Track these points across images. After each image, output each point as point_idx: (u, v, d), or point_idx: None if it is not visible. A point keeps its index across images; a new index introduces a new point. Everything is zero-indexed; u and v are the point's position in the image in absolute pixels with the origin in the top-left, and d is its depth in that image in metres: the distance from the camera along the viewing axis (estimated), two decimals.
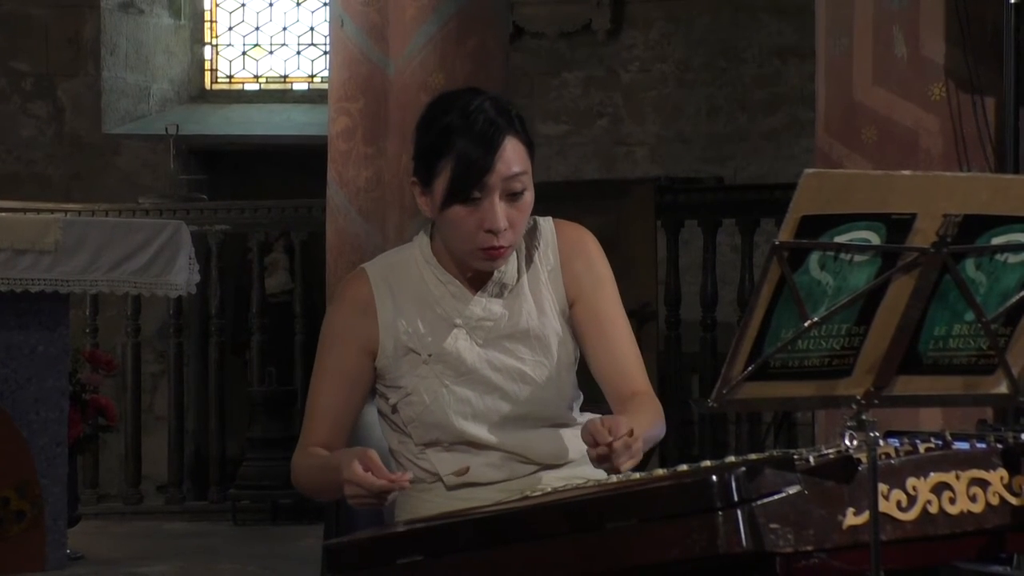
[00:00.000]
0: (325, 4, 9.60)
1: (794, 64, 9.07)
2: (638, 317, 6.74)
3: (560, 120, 9.45)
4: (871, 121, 4.86)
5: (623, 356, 2.85)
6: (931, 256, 2.20)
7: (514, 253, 2.82)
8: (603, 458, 2.54)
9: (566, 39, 9.45)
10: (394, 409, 2.83)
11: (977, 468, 2.27)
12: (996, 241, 2.25)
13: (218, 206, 8.02)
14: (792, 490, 2.13)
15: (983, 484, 2.26)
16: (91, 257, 5.62)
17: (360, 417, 2.90)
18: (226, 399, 7.93)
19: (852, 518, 2.15)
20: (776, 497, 2.12)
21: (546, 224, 2.89)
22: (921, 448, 2.28)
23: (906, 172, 2.20)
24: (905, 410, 2.48)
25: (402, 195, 5.75)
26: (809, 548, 2.12)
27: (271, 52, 10.15)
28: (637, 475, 2.50)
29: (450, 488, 2.80)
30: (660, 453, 6.81)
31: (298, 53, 10.13)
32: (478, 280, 2.82)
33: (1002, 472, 2.28)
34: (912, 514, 2.20)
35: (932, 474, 2.22)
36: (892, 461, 2.22)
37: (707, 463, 2.33)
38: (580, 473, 2.80)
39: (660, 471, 2.47)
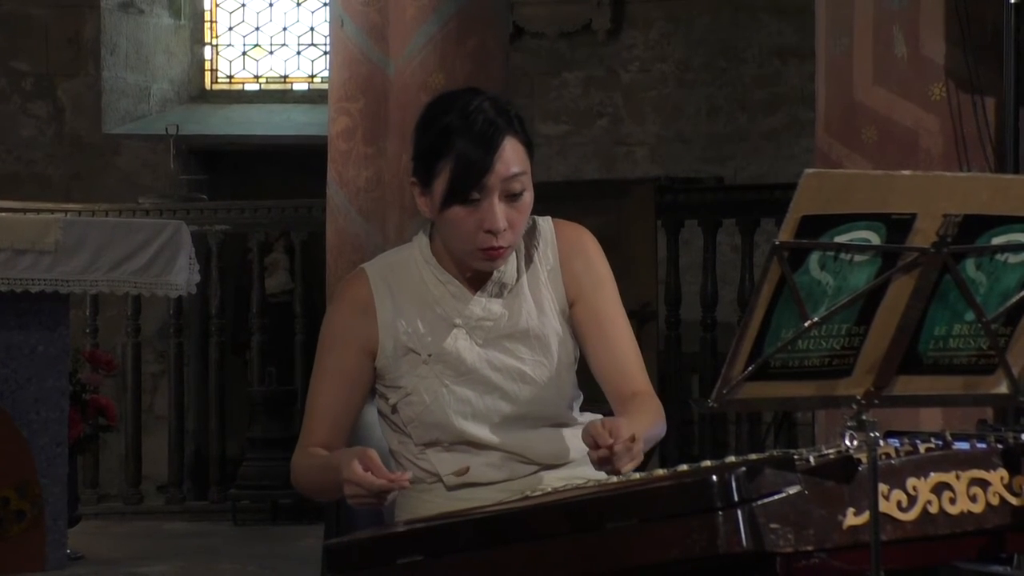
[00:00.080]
0: (325, 4, 9.60)
1: (794, 64, 9.07)
2: (638, 317, 6.74)
3: (560, 120, 9.45)
4: (871, 121, 4.86)
5: (623, 356, 2.85)
6: (931, 256, 2.20)
7: (513, 253, 2.82)
8: (604, 460, 2.54)
9: (566, 39, 9.46)
10: (394, 409, 2.83)
11: (977, 468, 2.27)
12: (996, 241, 2.25)
13: (218, 206, 8.02)
14: (792, 490, 2.13)
15: (983, 484, 2.26)
16: (91, 257, 5.62)
17: (360, 417, 2.90)
18: (226, 399, 7.93)
19: (852, 518, 2.15)
20: (776, 497, 2.12)
21: (545, 224, 2.89)
22: (921, 448, 2.28)
23: (906, 172, 2.20)
24: (905, 410, 2.48)
25: (402, 195, 5.75)
26: (809, 548, 2.12)
27: (271, 52, 10.15)
28: (637, 475, 2.50)
29: (450, 488, 2.79)
30: (660, 453, 6.81)
31: (298, 53, 10.13)
32: (478, 280, 2.82)
33: (1002, 472, 2.28)
34: (912, 514, 2.20)
35: (932, 474, 2.22)
36: (892, 461, 2.22)
37: (707, 463, 2.33)
38: (580, 473, 2.80)
39: (660, 471, 2.47)
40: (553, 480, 2.77)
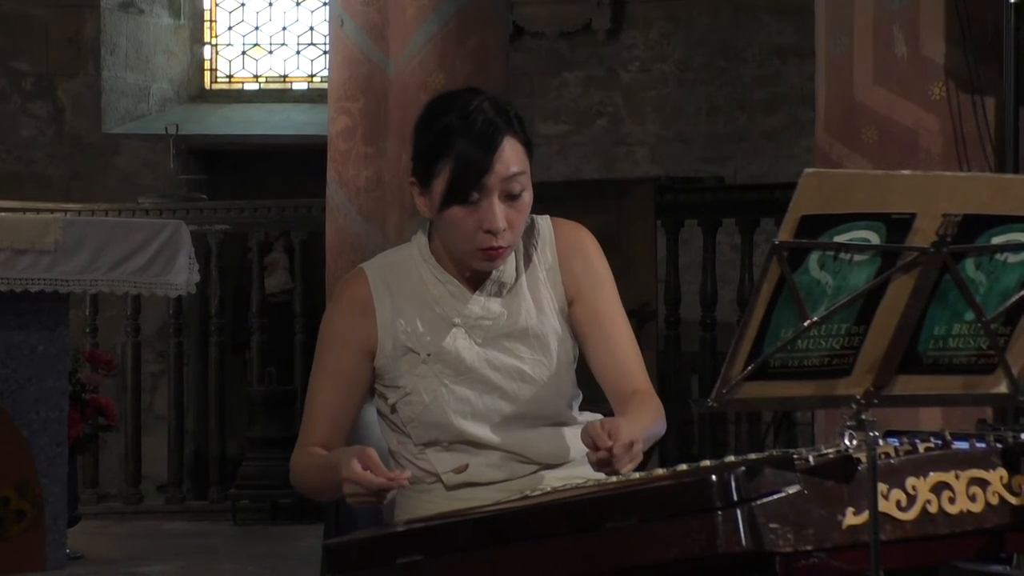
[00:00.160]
0: (325, 4, 9.60)
1: (794, 64, 9.07)
2: (638, 317, 6.74)
3: (560, 120, 9.45)
4: (871, 121, 4.86)
5: (623, 354, 2.85)
6: (931, 256, 2.20)
7: (512, 252, 2.82)
8: (603, 463, 2.54)
9: (566, 39, 9.45)
10: (393, 409, 2.83)
11: (977, 468, 2.27)
12: (996, 241, 2.25)
13: (218, 206, 8.02)
14: (792, 490, 2.13)
15: (983, 484, 2.26)
16: (91, 257, 5.62)
17: (359, 417, 2.90)
18: (226, 399, 7.93)
19: (852, 518, 2.15)
20: (776, 497, 2.12)
21: (544, 223, 2.89)
22: (921, 448, 2.28)
23: (906, 172, 2.21)
24: (905, 410, 2.48)
25: (402, 195, 5.75)
26: (809, 548, 2.12)
27: (271, 52, 10.15)
28: (637, 475, 2.50)
29: (450, 488, 2.79)
30: (660, 453, 6.81)
31: (298, 53, 10.13)
32: (477, 279, 2.82)
33: (1002, 472, 2.28)
34: (912, 514, 2.20)
35: (932, 474, 2.22)
36: (892, 461, 2.22)
37: (707, 463, 2.33)
38: (580, 473, 2.80)
39: (660, 471, 2.47)
40: (553, 480, 2.77)
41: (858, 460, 2.17)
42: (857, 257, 2.17)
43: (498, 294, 2.82)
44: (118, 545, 6.77)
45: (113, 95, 9.49)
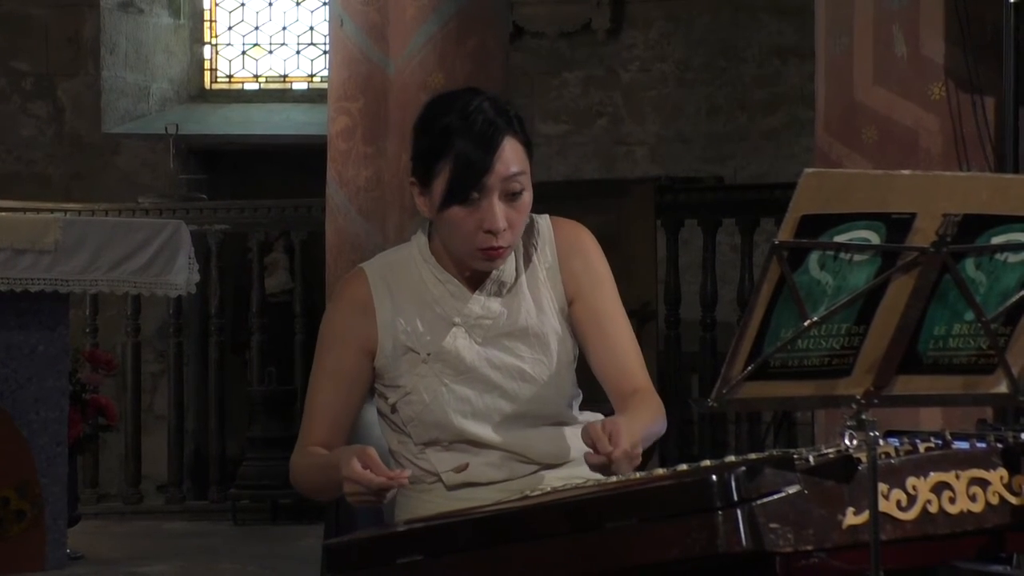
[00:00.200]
0: (325, 3, 9.60)
1: (794, 64, 9.07)
2: (638, 316, 6.74)
3: (560, 120, 9.45)
4: (871, 121, 4.86)
5: (623, 353, 2.85)
6: (931, 256, 2.20)
7: (512, 252, 2.81)
8: (603, 466, 2.55)
9: (566, 39, 9.46)
10: (393, 409, 2.83)
11: (977, 468, 2.27)
12: (996, 241, 2.25)
13: (218, 206, 8.02)
14: (792, 490, 2.13)
15: (983, 484, 2.26)
16: (91, 257, 5.62)
17: (360, 417, 2.90)
18: (226, 399, 7.93)
19: (852, 518, 2.15)
20: (776, 497, 2.12)
21: (543, 222, 2.89)
22: (921, 448, 2.28)
23: (906, 172, 2.20)
24: (905, 410, 2.47)
25: (402, 195, 5.75)
26: (809, 548, 2.12)
27: (271, 52, 10.15)
28: (637, 475, 2.50)
29: (450, 487, 2.79)
30: (660, 453, 6.81)
31: (298, 52, 10.13)
32: (477, 279, 2.82)
33: (1002, 472, 2.28)
34: (912, 514, 2.20)
35: (932, 474, 2.22)
36: (892, 461, 2.22)
37: (707, 463, 2.33)
38: (580, 473, 2.79)
39: (660, 471, 2.47)
40: (553, 480, 2.77)
41: (858, 460, 2.17)
42: (857, 257, 2.17)
43: (498, 293, 2.82)
44: (118, 545, 6.77)
45: (113, 95, 9.49)
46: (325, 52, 9.37)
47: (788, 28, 9.11)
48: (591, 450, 2.56)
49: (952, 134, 4.76)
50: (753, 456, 2.30)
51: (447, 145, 2.70)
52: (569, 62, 9.48)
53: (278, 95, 10.08)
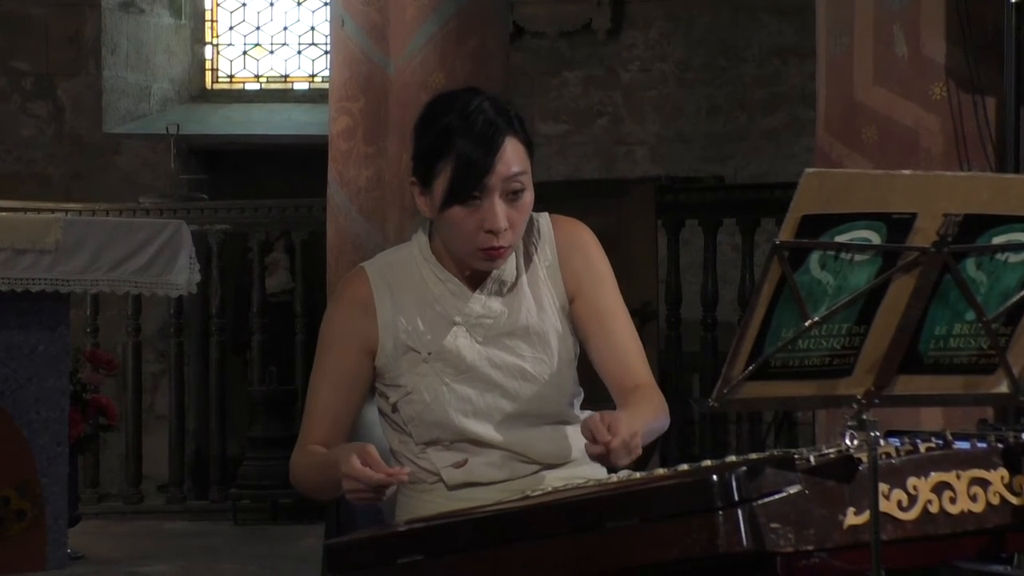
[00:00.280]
0: (326, 4, 9.59)
1: (794, 64, 9.07)
2: (639, 316, 6.74)
3: (560, 120, 9.45)
4: (871, 121, 4.85)
5: (624, 349, 2.85)
6: (931, 256, 2.20)
7: (513, 251, 2.81)
8: (600, 457, 2.54)
9: (566, 39, 9.46)
10: (394, 408, 2.83)
11: (978, 468, 2.27)
12: (996, 240, 2.25)
13: (218, 206, 8.02)
14: (793, 490, 2.13)
15: (984, 484, 2.26)
16: (91, 257, 5.62)
17: (360, 417, 2.90)
18: (227, 399, 7.93)
19: (853, 518, 2.15)
20: (777, 497, 2.12)
21: (543, 220, 2.89)
22: (922, 448, 2.28)
23: (906, 172, 2.20)
24: (906, 410, 2.47)
25: (402, 195, 5.75)
26: (810, 548, 2.12)
27: (272, 52, 10.15)
28: (637, 475, 2.50)
29: (451, 487, 2.79)
30: (661, 453, 6.81)
31: (299, 53, 10.13)
32: (477, 278, 2.82)
33: (1003, 472, 2.28)
34: (913, 514, 2.20)
35: (933, 474, 2.22)
36: (893, 461, 2.22)
37: (708, 462, 2.33)
38: (581, 472, 2.80)
39: (660, 471, 2.47)
40: (553, 480, 2.77)
41: (859, 460, 2.17)
42: (858, 257, 2.17)
43: (499, 293, 2.82)
44: (119, 545, 6.77)
45: (114, 95, 9.49)
46: (326, 52, 9.36)
47: (788, 28, 9.11)
48: (591, 442, 2.55)
49: (953, 134, 4.76)
50: (754, 456, 2.30)
51: (448, 145, 2.70)
52: (569, 62, 9.48)
53: (279, 95, 10.08)
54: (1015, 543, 2.34)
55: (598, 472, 2.85)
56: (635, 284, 6.49)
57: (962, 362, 2.32)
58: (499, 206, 2.71)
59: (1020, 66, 4.68)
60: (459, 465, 2.77)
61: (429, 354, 2.79)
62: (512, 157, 2.72)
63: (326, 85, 6.97)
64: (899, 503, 2.19)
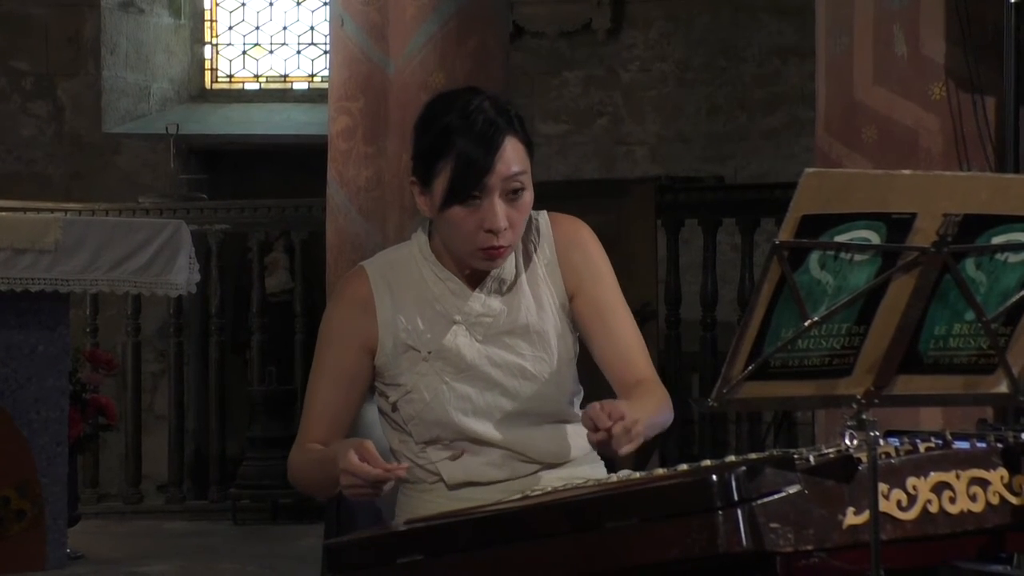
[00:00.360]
0: (325, 3, 9.60)
1: (794, 64, 9.07)
2: (639, 316, 6.68)
3: (560, 120, 9.45)
4: (871, 120, 4.85)
5: (626, 344, 2.85)
6: (931, 255, 2.20)
7: (513, 250, 2.81)
8: (602, 443, 2.54)
9: (566, 39, 9.45)
10: (394, 407, 2.83)
11: (977, 467, 2.27)
12: (996, 240, 2.25)
13: (218, 205, 8.02)
14: (792, 489, 2.13)
15: (983, 483, 2.26)
16: (91, 256, 5.62)
17: (360, 416, 2.90)
18: (226, 398, 7.93)
19: (852, 517, 2.15)
20: (776, 496, 2.12)
21: (542, 218, 2.89)
22: (921, 447, 2.28)
23: (906, 171, 2.20)
24: (905, 410, 2.47)
25: (402, 195, 5.75)
26: (809, 548, 2.12)
27: (271, 51, 10.15)
28: (637, 475, 2.50)
29: (451, 487, 2.80)
30: (660, 453, 6.81)
31: (298, 52, 10.13)
32: (477, 277, 2.82)
33: (1002, 471, 2.28)
34: (912, 513, 2.20)
35: (932, 473, 2.22)
36: (892, 460, 2.22)
37: (707, 462, 2.33)
38: (581, 472, 2.80)
39: (660, 470, 2.47)
40: (553, 480, 2.77)
41: (859, 460, 2.17)
42: (857, 257, 2.17)
43: (498, 291, 2.82)
44: (118, 545, 6.77)
45: (113, 95, 9.49)
46: (326, 52, 9.36)
47: (788, 28, 9.11)
48: (592, 432, 2.54)
49: (952, 134, 4.76)
50: (753, 456, 2.30)
51: (448, 145, 2.71)
52: (569, 62, 9.48)
53: (279, 95, 10.08)
54: (1015, 543, 2.34)
55: (598, 472, 2.85)
56: (635, 284, 6.49)
57: (962, 362, 2.32)
58: (499, 206, 2.71)
59: (1020, 66, 4.68)
60: (455, 457, 2.77)
61: (429, 353, 2.79)
62: (512, 157, 2.72)
63: (326, 85, 6.96)
64: (899, 503, 2.19)
